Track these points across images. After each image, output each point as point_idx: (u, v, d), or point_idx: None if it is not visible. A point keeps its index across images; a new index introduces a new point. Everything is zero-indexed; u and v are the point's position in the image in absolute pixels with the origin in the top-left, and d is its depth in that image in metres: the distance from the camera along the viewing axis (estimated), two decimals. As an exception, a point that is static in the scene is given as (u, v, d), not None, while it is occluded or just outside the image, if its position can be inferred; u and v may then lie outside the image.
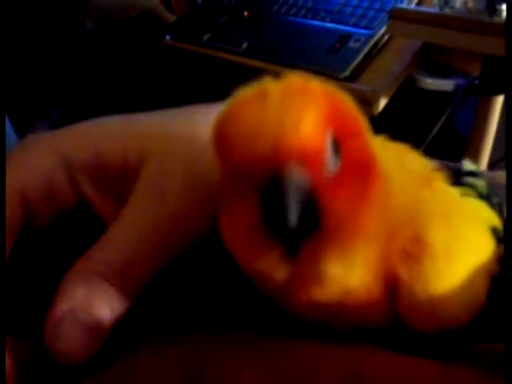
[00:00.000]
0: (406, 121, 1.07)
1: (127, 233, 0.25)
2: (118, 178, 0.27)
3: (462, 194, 0.29)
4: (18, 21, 1.06)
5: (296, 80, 0.22)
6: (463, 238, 0.25)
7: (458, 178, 0.31)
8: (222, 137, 0.21)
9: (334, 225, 0.21)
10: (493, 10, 0.80)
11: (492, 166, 0.97)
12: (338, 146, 0.22)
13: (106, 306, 0.24)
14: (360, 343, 0.24)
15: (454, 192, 0.28)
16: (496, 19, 0.80)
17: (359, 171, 0.22)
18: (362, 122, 0.23)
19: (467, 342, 0.25)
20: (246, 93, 0.22)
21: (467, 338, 0.25)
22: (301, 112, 0.20)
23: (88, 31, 1.22)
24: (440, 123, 1.10)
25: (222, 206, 0.23)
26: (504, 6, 0.80)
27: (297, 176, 0.20)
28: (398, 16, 0.85)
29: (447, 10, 0.84)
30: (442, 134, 1.12)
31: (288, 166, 0.20)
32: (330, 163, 0.21)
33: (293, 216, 0.20)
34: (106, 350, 0.24)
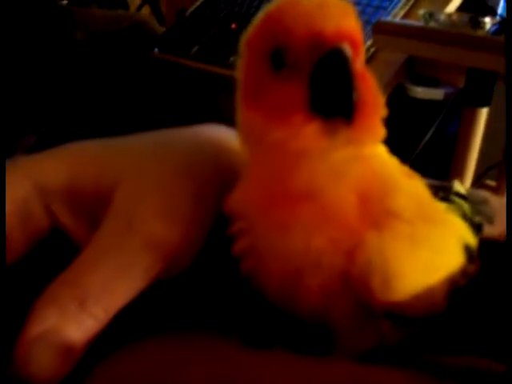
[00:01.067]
0: (398, 129, 1.08)
1: (99, 257, 0.25)
2: (94, 203, 0.27)
3: (447, 210, 0.29)
4: (6, 33, 1.06)
5: None
6: (432, 234, 0.26)
7: (446, 196, 0.32)
8: (281, 18, 0.24)
9: (362, 111, 0.23)
10: (476, 23, 0.81)
11: (477, 179, 0.97)
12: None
13: (77, 328, 0.24)
14: (326, 357, 0.24)
15: (440, 205, 0.29)
16: (479, 32, 0.81)
17: (371, 89, 0.25)
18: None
19: (434, 353, 0.26)
20: None
21: (432, 349, 0.26)
22: (348, 9, 0.24)
23: (77, 43, 1.22)
24: (431, 132, 1.11)
25: (247, 98, 0.25)
26: (487, 19, 0.81)
27: (351, 54, 0.23)
28: (382, 29, 0.86)
29: (432, 24, 0.85)
30: (433, 142, 1.12)
31: (346, 45, 0.23)
32: (360, 59, 0.24)
33: (354, 85, 0.23)
34: (93, 359, 0.24)
